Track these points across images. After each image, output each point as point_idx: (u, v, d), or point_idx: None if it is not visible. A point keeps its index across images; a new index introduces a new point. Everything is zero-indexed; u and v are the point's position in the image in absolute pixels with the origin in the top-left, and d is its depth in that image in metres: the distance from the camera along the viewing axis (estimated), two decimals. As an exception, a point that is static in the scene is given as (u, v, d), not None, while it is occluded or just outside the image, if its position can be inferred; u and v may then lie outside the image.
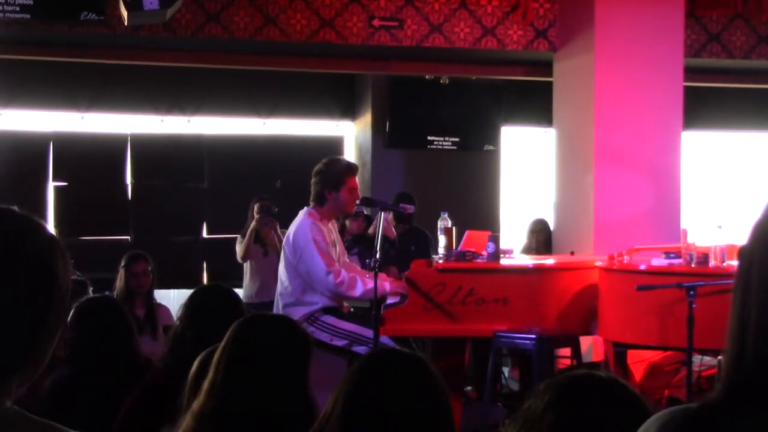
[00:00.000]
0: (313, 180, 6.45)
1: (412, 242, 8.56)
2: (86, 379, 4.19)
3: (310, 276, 6.25)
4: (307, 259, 6.23)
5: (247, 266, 8.97)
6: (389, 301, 6.50)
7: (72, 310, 4.38)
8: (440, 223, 6.68)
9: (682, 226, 7.82)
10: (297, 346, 2.93)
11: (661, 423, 1.37)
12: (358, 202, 6.79)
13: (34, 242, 1.58)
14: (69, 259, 1.63)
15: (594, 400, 1.88)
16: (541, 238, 9.13)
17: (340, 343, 6.23)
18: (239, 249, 8.85)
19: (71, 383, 4.20)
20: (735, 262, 1.41)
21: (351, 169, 6.55)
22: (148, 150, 10.41)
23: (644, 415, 1.85)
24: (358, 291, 6.21)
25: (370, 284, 6.05)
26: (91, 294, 6.83)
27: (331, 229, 6.52)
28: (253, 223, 8.70)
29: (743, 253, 1.35)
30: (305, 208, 6.45)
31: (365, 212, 8.73)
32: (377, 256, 6.04)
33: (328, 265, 6.21)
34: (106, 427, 3.74)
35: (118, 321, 4.44)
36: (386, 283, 6.37)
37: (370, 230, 8.23)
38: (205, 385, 2.82)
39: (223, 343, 2.87)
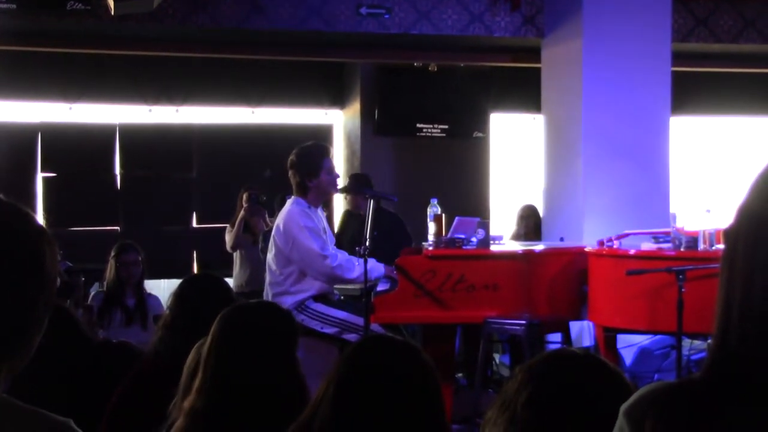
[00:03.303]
0: (290, 173, 6.45)
1: (377, 227, 8.48)
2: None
3: (305, 262, 6.25)
4: (300, 246, 6.24)
5: (236, 255, 8.98)
6: (379, 288, 6.51)
7: None
8: (430, 210, 6.68)
9: (671, 210, 7.83)
10: (283, 329, 2.94)
11: (640, 394, 1.39)
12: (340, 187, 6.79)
13: (21, 231, 1.58)
14: (56, 248, 1.63)
15: (566, 373, 1.90)
16: (531, 224, 9.14)
17: (330, 330, 6.24)
18: (228, 238, 8.85)
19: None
20: (722, 246, 1.43)
21: (324, 151, 6.55)
22: (137, 140, 10.39)
23: (618, 385, 1.87)
24: (356, 272, 6.21)
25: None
26: (81, 284, 6.85)
27: (321, 217, 6.52)
28: (242, 212, 8.71)
29: (729, 235, 1.37)
30: (292, 197, 6.45)
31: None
32: (366, 243, 6.05)
33: (323, 249, 6.22)
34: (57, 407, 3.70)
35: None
36: (381, 265, 6.39)
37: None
38: (196, 383, 2.82)
39: (209, 339, 2.87)
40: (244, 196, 8.87)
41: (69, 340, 4.07)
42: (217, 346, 2.85)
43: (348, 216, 8.85)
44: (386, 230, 8.39)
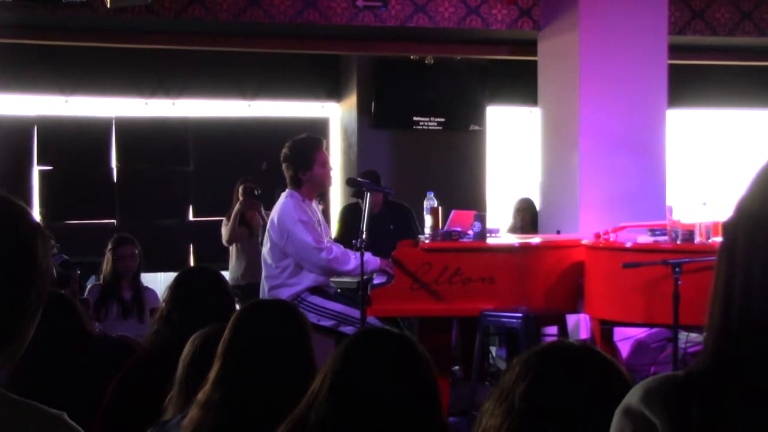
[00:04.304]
0: (283, 166, 6.45)
1: (391, 220, 8.48)
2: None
3: (300, 255, 6.26)
4: (295, 240, 6.24)
5: (232, 248, 8.98)
6: (376, 281, 6.51)
7: None
8: (426, 203, 6.68)
9: (668, 203, 7.83)
10: (299, 325, 2.94)
11: (646, 390, 1.38)
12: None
13: (14, 225, 1.58)
14: (50, 242, 1.63)
15: (563, 365, 1.90)
16: (527, 217, 9.13)
17: (327, 323, 6.25)
18: (224, 232, 8.85)
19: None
20: (720, 239, 1.44)
21: (317, 144, 6.54)
22: (133, 133, 10.39)
23: (615, 377, 1.87)
24: (351, 264, 6.21)
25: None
26: (77, 277, 6.84)
27: (315, 210, 6.52)
28: (238, 206, 8.71)
29: (728, 228, 1.39)
30: (287, 190, 6.45)
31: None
32: (363, 236, 6.05)
33: (318, 242, 6.22)
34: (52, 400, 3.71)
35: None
36: (377, 258, 6.39)
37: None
38: (211, 375, 2.82)
39: (226, 334, 2.88)
40: (240, 189, 8.88)
41: (70, 333, 4.10)
42: (235, 339, 2.85)
43: (350, 210, 8.74)
44: (402, 223, 8.41)
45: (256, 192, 8.75)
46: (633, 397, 1.39)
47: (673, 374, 1.40)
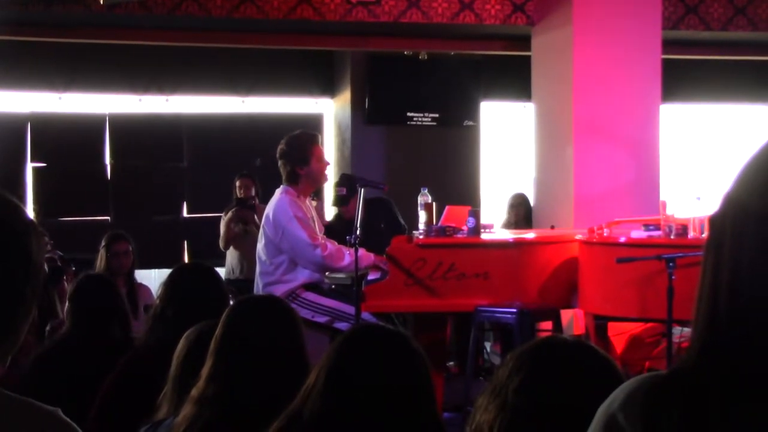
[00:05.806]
0: (280, 162, 6.45)
1: (378, 217, 8.45)
2: (71, 355, 4.22)
3: (294, 251, 6.25)
4: (290, 236, 6.24)
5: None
6: (370, 277, 6.51)
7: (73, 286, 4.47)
8: (420, 199, 6.67)
9: (662, 198, 7.84)
10: (291, 320, 2.95)
11: (629, 390, 1.38)
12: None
13: (9, 223, 1.58)
14: (44, 240, 1.63)
15: (556, 360, 1.91)
16: (521, 213, 9.14)
17: (321, 319, 6.25)
18: (222, 231, 8.84)
19: (53, 357, 4.24)
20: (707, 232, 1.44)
21: (313, 139, 6.55)
22: (127, 130, 10.38)
23: (609, 372, 1.87)
24: (346, 261, 6.22)
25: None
26: (72, 273, 6.85)
27: (309, 206, 6.52)
28: (229, 215, 8.72)
29: (715, 221, 1.38)
30: (282, 186, 6.45)
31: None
32: (357, 232, 6.05)
33: (313, 239, 6.22)
34: (85, 401, 3.75)
35: (112, 300, 4.46)
36: (371, 254, 6.39)
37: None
38: (204, 371, 2.82)
39: (218, 331, 2.88)
40: (237, 183, 8.91)
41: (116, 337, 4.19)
42: (227, 335, 2.85)
43: (337, 219, 8.72)
44: (390, 217, 8.39)
45: (248, 203, 8.76)
46: (615, 400, 1.38)
47: (657, 374, 1.39)
